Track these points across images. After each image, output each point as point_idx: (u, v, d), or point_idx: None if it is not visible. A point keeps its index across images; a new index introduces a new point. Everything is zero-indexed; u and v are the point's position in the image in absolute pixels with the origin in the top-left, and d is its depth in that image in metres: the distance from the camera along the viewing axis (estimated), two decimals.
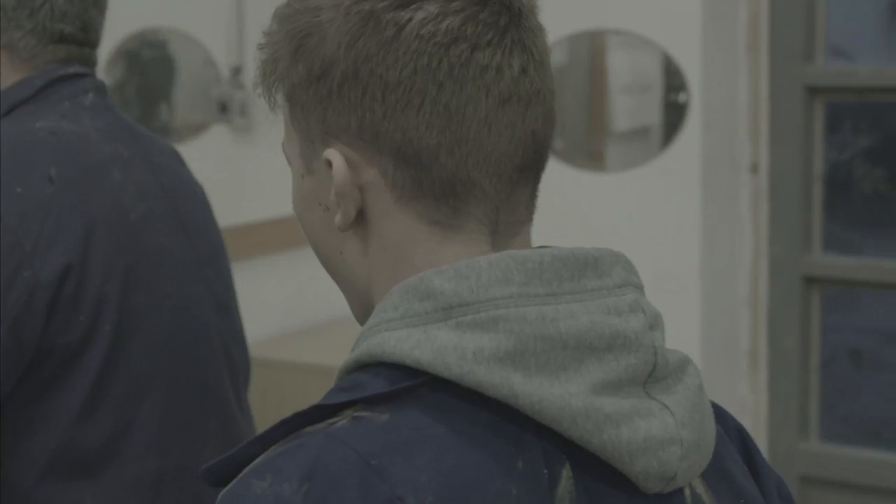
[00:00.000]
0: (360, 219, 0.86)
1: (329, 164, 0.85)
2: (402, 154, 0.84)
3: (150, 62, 2.45)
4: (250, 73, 2.45)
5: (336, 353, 2.36)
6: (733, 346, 2.56)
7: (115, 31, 2.27)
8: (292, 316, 2.55)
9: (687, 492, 0.86)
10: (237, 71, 2.45)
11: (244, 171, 2.47)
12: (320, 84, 0.85)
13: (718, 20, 2.44)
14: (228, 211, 2.41)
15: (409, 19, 0.83)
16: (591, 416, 0.80)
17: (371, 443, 0.79)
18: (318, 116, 0.86)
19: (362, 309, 0.91)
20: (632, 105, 2.51)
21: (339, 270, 0.90)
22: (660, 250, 2.39)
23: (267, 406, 2.32)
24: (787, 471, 2.59)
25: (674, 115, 2.42)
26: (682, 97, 2.40)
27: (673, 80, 2.42)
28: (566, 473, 0.81)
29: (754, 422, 2.56)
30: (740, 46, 2.52)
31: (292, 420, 0.82)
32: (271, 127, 2.52)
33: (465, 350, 0.80)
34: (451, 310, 0.81)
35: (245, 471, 0.81)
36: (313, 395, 2.46)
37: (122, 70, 2.36)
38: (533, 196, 0.88)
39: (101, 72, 2.37)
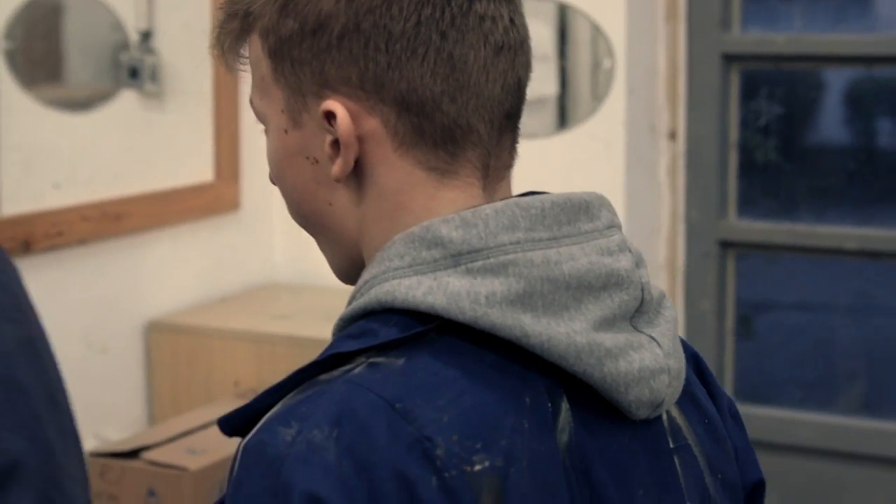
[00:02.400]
0: (356, 168, 0.88)
1: (326, 115, 0.87)
2: (405, 103, 0.86)
3: (54, 27, 2.37)
4: (161, 38, 2.39)
5: (259, 319, 2.34)
6: None
7: None
8: (211, 284, 2.52)
9: (664, 416, 0.93)
10: (147, 35, 2.38)
11: (157, 137, 2.41)
12: (316, 38, 0.86)
13: None
14: (145, 178, 2.36)
15: None
16: (594, 352, 0.84)
17: (392, 387, 0.81)
18: (312, 70, 0.87)
19: (348, 261, 0.92)
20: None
21: (326, 223, 0.91)
22: None
23: (194, 373, 2.29)
24: None
25: (597, 83, 2.43)
26: (606, 63, 2.41)
27: (596, 47, 2.43)
28: (565, 406, 0.86)
29: None
30: (659, 15, 2.53)
31: (307, 369, 0.83)
32: (183, 92, 2.46)
33: (478, 294, 0.83)
34: (461, 256, 0.84)
35: (266, 419, 0.82)
36: (243, 360, 2.43)
37: (24, 36, 2.28)
38: (514, 142, 0.91)
39: (1, 38, 2.29)
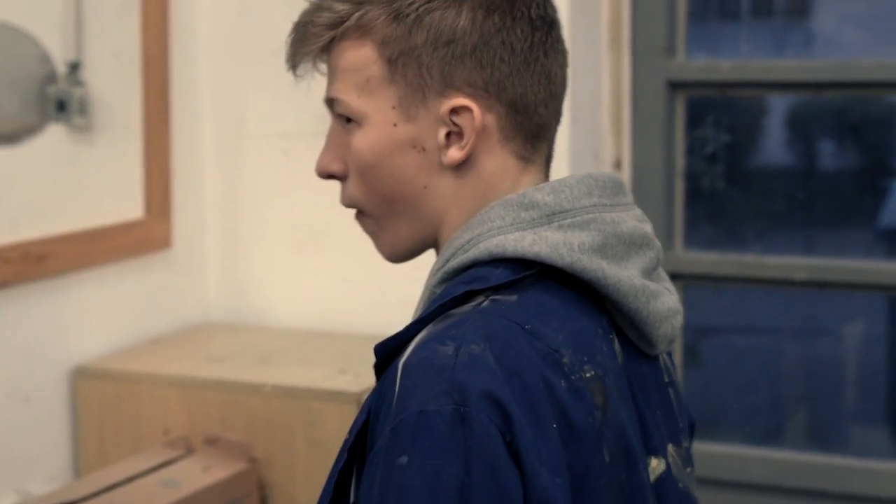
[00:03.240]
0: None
1: (454, 110, 1.06)
2: (514, 104, 1.08)
3: None
4: (90, 69, 2.29)
5: (190, 363, 2.24)
6: None
7: None
8: (142, 326, 2.41)
9: (661, 357, 1.16)
10: (75, 67, 2.29)
11: (85, 172, 2.31)
12: (450, 48, 1.06)
13: (582, 15, 2.40)
14: (71, 216, 2.26)
15: (529, 5, 1.09)
16: (645, 292, 1.07)
17: (517, 314, 1.01)
18: (442, 73, 1.06)
19: (419, 241, 1.12)
20: None
21: (414, 203, 1.09)
22: None
23: (122, 421, 2.19)
24: None
25: None
26: None
27: None
28: (615, 338, 1.08)
29: None
30: (602, 42, 2.48)
31: (447, 304, 1.02)
32: (113, 126, 2.36)
33: (572, 244, 1.04)
34: (553, 216, 1.06)
35: (420, 341, 0.99)
36: (173, 406, 2.32)
37: None
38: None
39: None
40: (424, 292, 1.10)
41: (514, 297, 1.02)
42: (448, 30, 1.06)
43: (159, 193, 2.42)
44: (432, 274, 1.09)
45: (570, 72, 2.37)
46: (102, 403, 2.20)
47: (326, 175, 1.12)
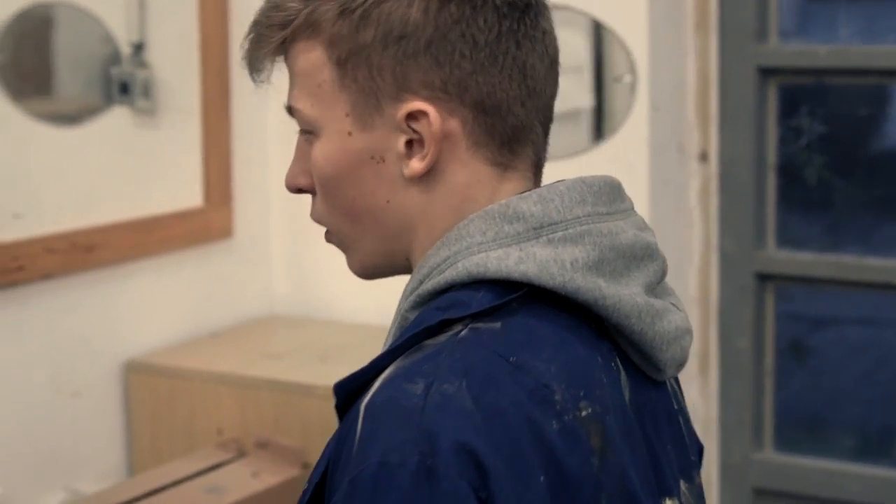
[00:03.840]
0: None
1: (411, 116, 0.94)
2: (482, 105, 0.95)
3: (42, 41, 2.21)
4: (153, 50, 2.21)
5: (248, 359, 2.15)
6: None
7: (2, 8, 2.04)
8: (201, 318, 2.33)
9: (668, 382, 1.04)
10: (139, 48, 2.21)
11: (148, 157, 2.24)
12: (401, 45, 0.93)
13: None
14: (131, 203, 2.18)
15: None
16: (649, 311, 0.95)
17: (501, 344, 0.89)
18: (394, 74, 0.94)
19: (385, 257, 0.99)
20: (561, 87, 2.30)
21: (378, 219, 0.97)
22: None
23: (175, 418, 2.10)
24: (741, 482, 2.41)
25: (619, 99, 2.22)
26: (627, 79, 2.20)
27: (618, 60, 2.21)
28: (620, 365, 0.96)
29: (704, 429, 2.38)
30: (688, 25, 2.32)
31: (419, 335, 0.90)
32: (176, 109, 2.28)
33: (563, 262, 0.92)
34: (542, 229, 0.93)
35: (386, 379, 0.88)
36: (226, 405, 2.22)
37: (12, 50, 2.12)
38: (548, 142, 1.02)
39: None
40: (396, 318, 0.98)
41: (497, 325, 0.90)
42: (399, 24, 0.93)
43: (219, 180, 2.33)
44: (405, 297, 0.97)
45: (650, 56, 2.26)
46: (156, 399, 2.12)
47: (295, 189, 1.01)
